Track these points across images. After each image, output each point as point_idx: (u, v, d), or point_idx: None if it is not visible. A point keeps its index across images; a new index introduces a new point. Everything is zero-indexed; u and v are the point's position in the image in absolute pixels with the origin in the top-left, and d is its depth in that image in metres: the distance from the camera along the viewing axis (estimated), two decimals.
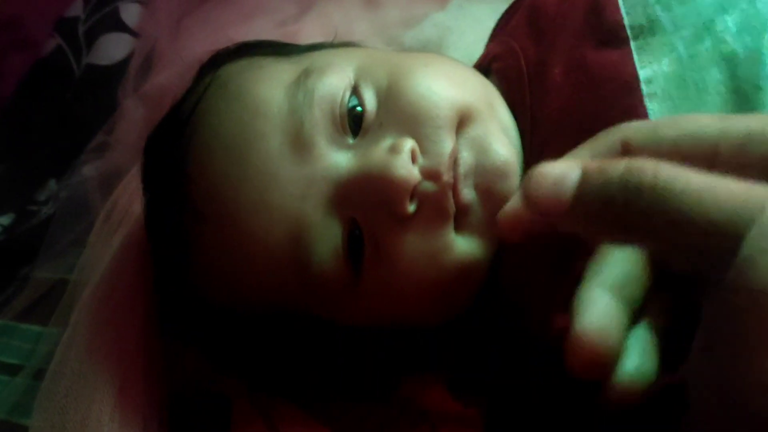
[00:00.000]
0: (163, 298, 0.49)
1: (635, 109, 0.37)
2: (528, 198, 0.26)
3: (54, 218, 0.61)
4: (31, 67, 0.74)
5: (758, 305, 0.21)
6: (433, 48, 0.63)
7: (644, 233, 0.24)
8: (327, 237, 0.39)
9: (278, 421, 0.46)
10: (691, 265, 0.24)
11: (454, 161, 0.39)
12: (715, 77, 0.37)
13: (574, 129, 0.39)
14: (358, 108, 0.40)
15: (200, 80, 0.48)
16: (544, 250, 0.38)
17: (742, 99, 0.36)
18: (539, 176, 0.26)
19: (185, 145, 0.43)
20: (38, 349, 0.52)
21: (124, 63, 0.71)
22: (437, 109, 0.39)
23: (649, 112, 0.37)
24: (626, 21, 0.40)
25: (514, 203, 0.28)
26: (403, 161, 0.37)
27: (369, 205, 0.38)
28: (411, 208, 0.38)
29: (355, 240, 0.39)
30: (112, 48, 0.73)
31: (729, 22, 0.37)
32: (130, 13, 0.75)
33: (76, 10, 0.77)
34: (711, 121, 0.26)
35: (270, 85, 0.42)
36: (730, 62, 0.37)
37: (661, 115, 0.37)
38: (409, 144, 0.38)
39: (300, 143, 0.39)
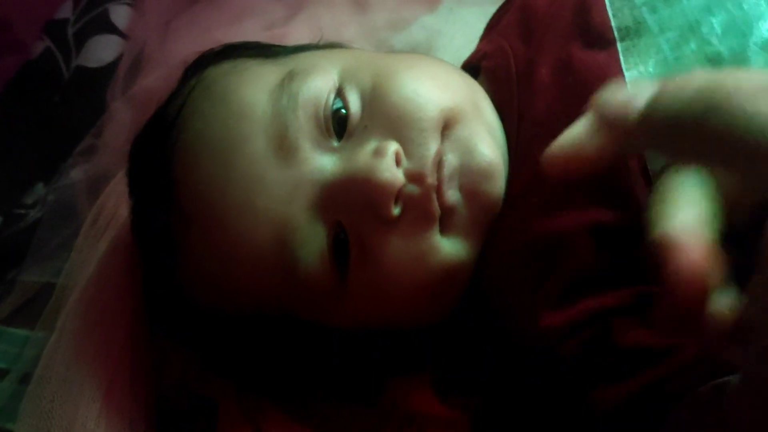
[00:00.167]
0: (150, 300, 0.49)
1: None
2: (597, 112, 0.25)
3: (41, 222, 0.61)
4: (19, 69, 0.74)
5: None
6: (422, 51, 0.63)
7: (714, 156, 0.22)
8: (313, 240, 0.39)
9: (264, 424, 0.46)
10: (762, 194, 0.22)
11: (439, 163, 0.39)
12: None
13: (560, 129, 0.39)
14: (343, 110, 0.40)
15: (185, 82, 0.48)
16: (527, 249, 0.38)
17: None
18: (610, 93, 0.25)
19: (171, 148, 0.43)
20: (25, 353, 0.52)
21: (113, 65, 0.71)
22: (422, 112, 0.39)
23: None
24: (613, 23, 0.40)
25: (561, 140, 0.27)
26: (388, 164, 0.37)
27: (354, 208, 0.39)
28: (396, 210, 0.38)
29: (340, 243, 0.39)
30: (102, 50, 0.72)
31: (714, 23, 0.38)
32: (120, 15, 0.74)
33: (66, 12, 0.76)
34: None
35: (254, 88, 0.42)
36: (715, 63, 0.37)
37: None
38: (393, 147, 0.38)
39: (285, 147, 0.39)
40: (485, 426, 0.44)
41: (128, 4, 0.75)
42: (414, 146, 0.38)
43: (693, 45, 0.38)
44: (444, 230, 0.39)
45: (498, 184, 0.40)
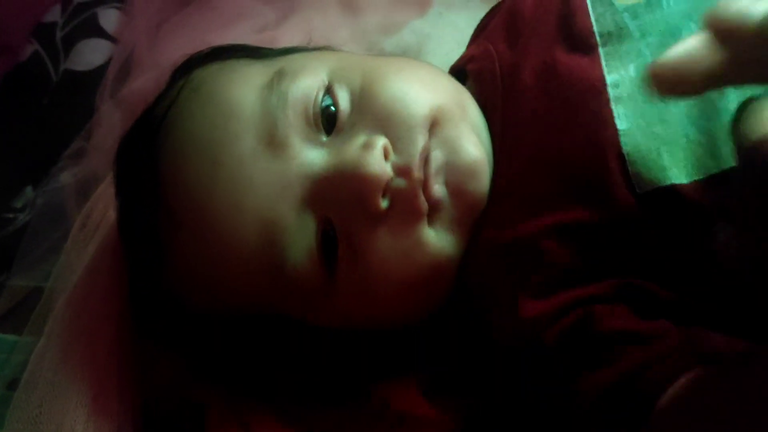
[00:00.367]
0: (138, 302, 0.49)
1: (602, 113, 0.38)
2: (711, 24, 0.25)
3: (30, 225, 0.60)
4: (7, 73, 0.73)
5: None
6: (412, 55, 0.64)
7: None
8: (301, 237, 0.39)
9: (254, 426, 0.46)
10: None
11: (426, 159, 0.39)
12: None
13: (543, 131, 0.40)
14: (332, 108, 0.41)
15: (173, 84, 0.48)
16: (510, 247, 0.39)
17: (706, 104, 0.36)
18: (725, 4, 0.25)
19: (158, 149, 0.43)
20: (12, 359, 0.52)
21: (102, 69, 0.70)
22: (410, 110, 0.40)
23: (615, 114, 0.38)
24: (596, 28, 0.41)
25: (673, 53, 0.26)
26: (376, 158, 0.38)
27: (342, 203, 0.39)
28: (383, 204, 0.38)
29: (328, 239, 0.40)
30: (91, 54, 0.72)
31: (694, 28, 0.38)
32: (109, 19, 0.74)
33: (54, 15, 0.76)
34: None
35: (243, 87, 0.42)
36: None
37: (627, 118, 0.37)
38: (381, 141, 0.38)
39: (274, 143, 0.40)
40: (476, 427, 0.44)
41: (117, 8, 0.75)
42: (402, 142, 0.39)
43: None
44: (431, 225, 0.40)
45: (483, 182, 0.40)
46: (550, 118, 0.40)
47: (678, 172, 0.36)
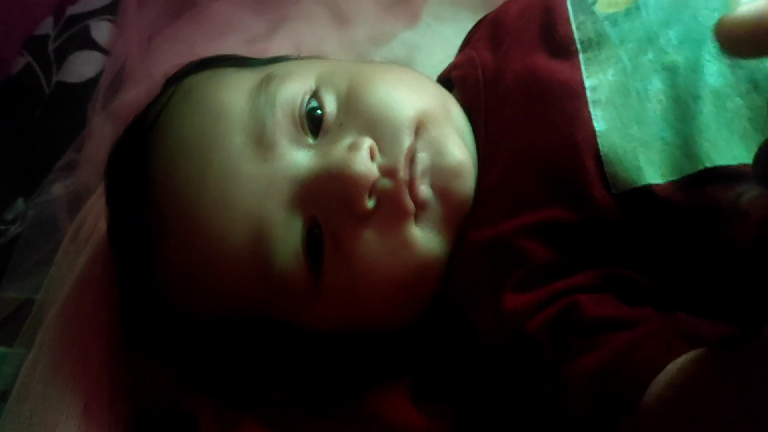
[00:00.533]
0: (128, 307, 0.49)
1: (580, 114, 0.39)
2: None
3: (21, 237, 0.61)
4: None
5: None
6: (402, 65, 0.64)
7: None
8: (288, 236, 0.40)
9: None
10: None
11: (411, 160, 0.40)
12: (656, 86, 0.39)
13: (523, 133, 0.41)
14: (318, 111, 0.41)
15: (165, 92, 0.48)
16: (493, 246, 0.39)
17: (682, 107, 0.37)
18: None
19: (148, 152, 0.43)
20: (3, 371, 0.51)
21: (94, 81, 0.71)
22: (395, 112, 0.41)
23: (594, 117, 0.39)
24: (576, 35, 0.42)
25: (743, 10, 0.26)
26: (362, 158, 0.38)
27: (329, 203, 0.40)
28: (370, 204, 0.39)
29: (314, 239, 0.40)
30: (83, 66, 0.72)
31: (671, 34, 0.40)
32: (101, 31, 0.75)
33: (46, 28, 0.76)
34: None
35: (232, 90, 0.43)
36: (671, 72, 0.39)
37: (605, 120, 0.38)
38: (367, 142, 0.39)
39: (262, 143, 0.40)
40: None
41: (109, 20, 0.76)
42: (387, 143, 0.40)
43: (650, 55, 0.40)
44: (417, 225, 0.40)
45: (467, 184, 0.41)
46: (530, 121, 0.41)
47: (653, 173, 0.36)
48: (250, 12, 0.72)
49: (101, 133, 0.64)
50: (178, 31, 0.72)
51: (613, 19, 0.42)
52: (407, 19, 0.69)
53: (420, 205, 0.40)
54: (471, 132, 0.44)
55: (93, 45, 0.74)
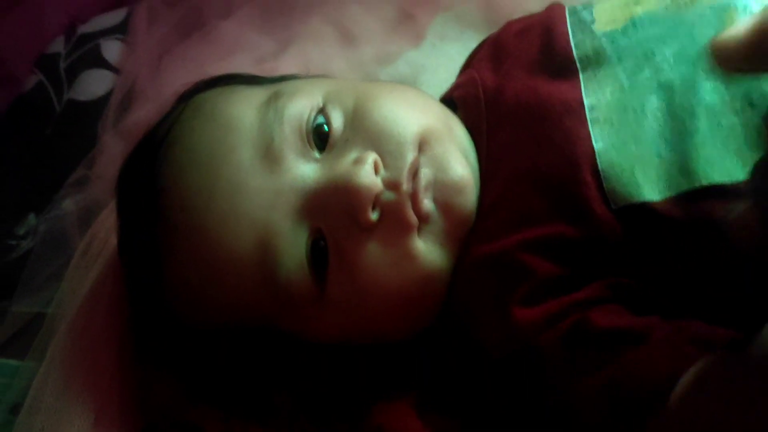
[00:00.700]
0: (138, 318, 0.50)
1: (579, 133, 0.40)
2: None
3: (33, 252, 0.61)
4: (11, 103, 0.75)
5: None
6: (407, 84, 0.65)
7: None
8: (294, 247, 0.41)
9: None
10: None
11: (415, 174, 0.41)
12: (653, 104, 0.40)
13: (524, 150, 0.42)
14: (325, 127, 0.43)
15: (176, 107, 0.49)
16: (497, 261, 0.40)
17: (678, 124, 0.38)
18: None
19: (159, 163, 0.44)
20: (15, 384, 0.52)
21: (104, 99, 0.72)
22: (400, 128, 0.42)
23: (592, 136, 0.40)
24: (575, 53, 0.43)
25: (734, 29, 0.27)
26: (367, 171, 0.39)
27: (334, 215, 0.40)
28: (373, 216, 0.40)
29: (319, 250, 0.41)
30: (93, 84, 0.74)
31: (667, 52, 0.41)
32: (112, 50, 0.76)
33: (58, 46, 0.78)
34: None
35: (242, 105, 0.44)
36: (667, 90, 0.40)
37: (603, 138, 0.39)
38: (372, 157, 0.40)
39: (270, 156, 0.41)
40: None
41: (120, 40, 0.77)
42: (391, 158, 0.41)
43: (647, 72, 0.41)
44: (420, 238, 0.41)
45: (469, 199, 0.42)
46: (531, 139, 0.42)
47: (651, 190, 0.37)
48: (259, 32, 0.73)
49: (111, 151, 0.65)
50: (188, 51, 0.73)
51: (611, 37, 0.43)
52: (412, 38, 0.70)
53: (423, 219, 0.41)
54: (473, 149, 0.45)
55: (104, 63, 0.75)
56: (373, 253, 0.40)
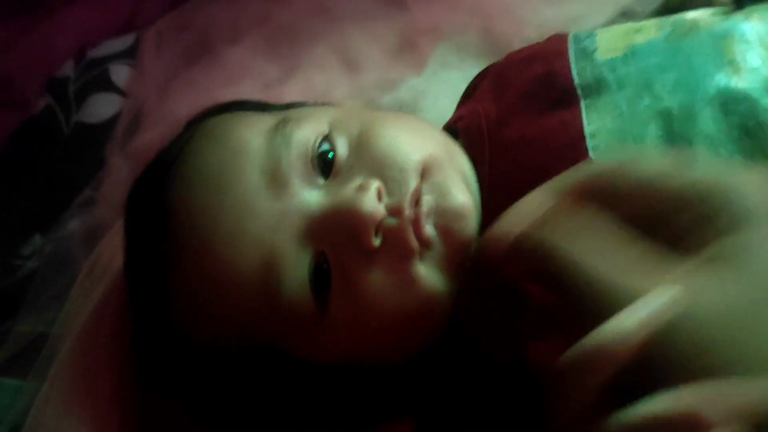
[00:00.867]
0: (140, 339, 0.50)
1: (580, 161, 0.40)
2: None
3: (38, 272, 0.62)
4: (21, 125, 0.76)
5: None
6: (408, 110, 0.66)
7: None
8: (297, 268, 0.41)
9: None
10: None
11: (417, 201, 0.42)
12: (653, 132, 0.40)
13: (525, 181, 0.42)
14: (330, 153, 0.43)
15: (186, 131, 0.50)
16: (498, 289, 0.40)
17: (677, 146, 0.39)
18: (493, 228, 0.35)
19: (168, 184, 0.45)
20: (16, 404, 0.52)
21: (112, 122, 0.73)
22: (403, 156, 0.42)
23: None
24: (577, 81, 0.44)
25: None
26: (370, 198, 0.40)
27: (337, 239, 0.41)
28: (376, 241, 0.40)
29: (322, 273, 0.42)
30: (102, 107, 0.75)
31: (666, 80, 0.42)
32: (120, 74, 0.78)
33: (67, 70, 0.79)
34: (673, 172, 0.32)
35: (251, 130, 0.45)
36: (666, 118, 0.40)
37: None
38: (375, 184, 0.41)
39: (276, 181, 0.42)
40: None
41: (128, 64, 0.79)
42: (394, 185, 0.42)
43: (647, 101, 0.41)
44: (422, 263, 0.41)
45: (470, 225, 0.42)
46: (532, 169, 0.43)
47: None
48: (265, 58, 0.75)
49: (119, 173, 0.66)
50: (195, 76, 0.74)
51: (611, 65, 0.44)
52: (414, 66, 0.72)
53: (424, 244, 0.41)
54: (475, 178, 0.46)
55: (112, 87, 0.77)
56: (375, 276, 0.41)
